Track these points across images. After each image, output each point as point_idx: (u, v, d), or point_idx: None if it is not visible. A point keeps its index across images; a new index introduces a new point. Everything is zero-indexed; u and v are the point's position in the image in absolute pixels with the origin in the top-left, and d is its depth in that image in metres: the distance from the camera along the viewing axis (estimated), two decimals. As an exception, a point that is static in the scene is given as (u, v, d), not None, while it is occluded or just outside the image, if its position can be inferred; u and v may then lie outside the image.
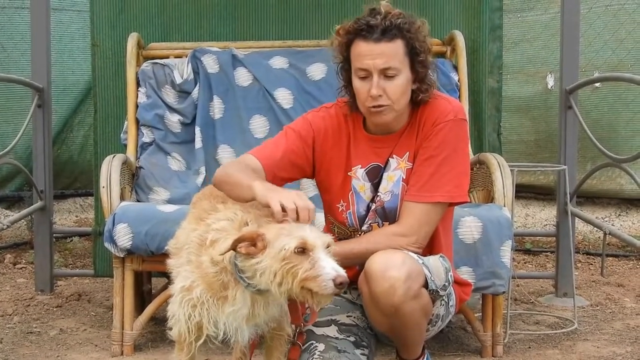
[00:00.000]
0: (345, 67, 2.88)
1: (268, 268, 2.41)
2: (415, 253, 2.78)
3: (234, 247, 2.44)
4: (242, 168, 2.76)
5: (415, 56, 2.80)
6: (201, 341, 2.60)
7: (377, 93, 2.75)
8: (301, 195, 2.56)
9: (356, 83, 2.81)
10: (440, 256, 2.87)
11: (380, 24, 2.74)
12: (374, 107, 2.78)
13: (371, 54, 2.74)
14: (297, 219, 2.48)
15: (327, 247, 2.44)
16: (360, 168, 2.92)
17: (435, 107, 2.85)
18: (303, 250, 2.39)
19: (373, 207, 2.90)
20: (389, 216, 2.89)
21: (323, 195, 3.04)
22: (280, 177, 2.88)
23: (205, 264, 2.55)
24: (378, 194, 2.90)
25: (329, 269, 2.37)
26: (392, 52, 2.75)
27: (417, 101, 2.86)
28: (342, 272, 2.38)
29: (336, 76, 2.95)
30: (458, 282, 3.04)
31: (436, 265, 2.80)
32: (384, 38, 2.74)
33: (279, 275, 2.39)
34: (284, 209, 2.49)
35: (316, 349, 2.85)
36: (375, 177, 2.91)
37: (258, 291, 2.49)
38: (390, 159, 2.90)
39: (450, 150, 2.81)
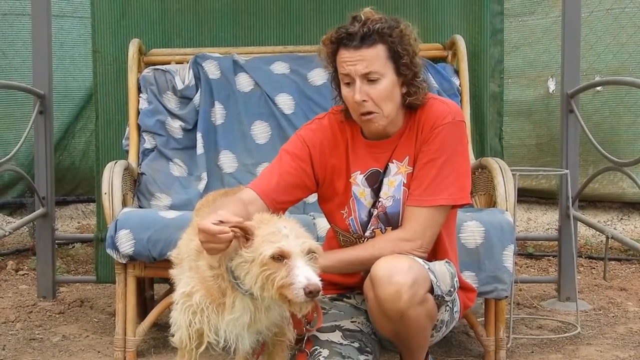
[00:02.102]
0: (335, 75, 2.89)
1: (251, 271, 2.43)
2: (421, 258, 2.78)
3: (233, 227, 2.44)
4: (233, 203, 2.72)
5: (399, 59, 2.79)
6: (202, 348, 2.61)
7: (361, 98, 2.75)
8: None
9: (343, 90, 2.83)
10: (446, 261, 2.87)
11: (358, 31, 2.75)
12: (363, 114, 2.78)
13: (352, 59, 2.76)
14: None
15: (308, 253, 2.44)
16: (360, 174, 2.92)
17: (433, 110, 2.85)
18: (281, 257, 2.40)
19: (375, 212, 2.90)
20: (391, 221, 2.89)
21: (324, 206, 3.04)
22: (281, 201, 2.87)
23: (202, 267, 2.57)
24: (379, 199, 2.90)
25: (301, 277, 2.37)
26: (372, 57, 2.75)
27: (410, 104, 2.85)
28: (314, 280, 2.38)
29: (330, 85, 2.97)
30: (463, 288, 3.03)
31: (442, 271, 2.80)
32: (363, 45, 2.75)
33: (260, 280, 2.42)
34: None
35: (320, 355, 2.85)
36: (375, 182, 2.91)
37: (255, 297, 2.49)
38: (389, 163, 2.90)
39: (450, 152, 2.82)
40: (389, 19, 2.81)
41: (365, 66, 2.74)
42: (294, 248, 2.41)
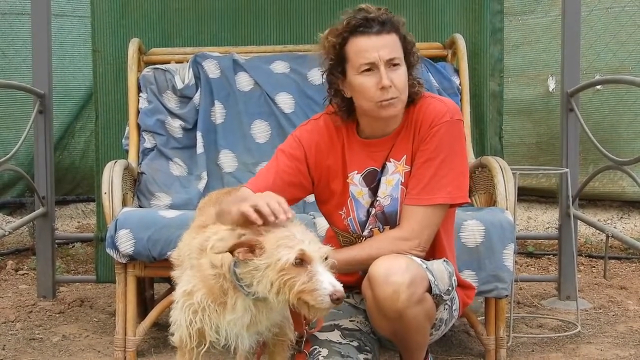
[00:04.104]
0: (337, 69, 2.84)
1: (265, 277, 2.40)
2: (419, 257, 2.77)
3: (232, 250, 2.42)
4: (233, 200, 2.72)
5: (408, 49, 2.81)
6: (204, 348, 2.59)
7: (389, 83, 2.73)
8: (271, 195, 2.55)
9: (361, 80, 2.77)
10: (444, 260, 2.87)
11: (377, 17, 2.76)
12: (385, 100, 2.75)
13: (375, 46, 2.74)
14: (273, 217, 2.46)
15: (326, 259, 2.42)
16: (357, 174, 2.92)
17: (431, 109, 2.84)
18: (301, 262, 2.38)
19: (373, 212, 2.90)
20: (389, 220, 2.88)
21: (322, 207, 3.03)
22: None
23: (204, 265, 2.55)
24: (377, 198, 2.89)
25: (327, 284, 2.35)
26: (393, 43, 2.77)
27: (409, 97, 2.85)
28: (339, 287, 2.37)
29: (323, 84, 2.94)
30: (461, 285, 3.03)
31: (440, 270, 2.80)
32: (383, 30, 2.76)
33: (276, 285, 2.38)
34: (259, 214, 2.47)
35: (320, 354, 2.85)
36: (372, 181, 2.91)
37: (258, 299, 2.48)
38: (387, 162, 2.89)
39: (448, 151, 2.81)
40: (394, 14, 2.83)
41: (389, 51, 2.74)
42: (314, 253, 2.39)
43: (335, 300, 2.35)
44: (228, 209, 2.61)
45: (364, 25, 2.76)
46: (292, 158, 2.91)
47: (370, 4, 2.83)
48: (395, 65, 2.76)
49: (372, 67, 2.75)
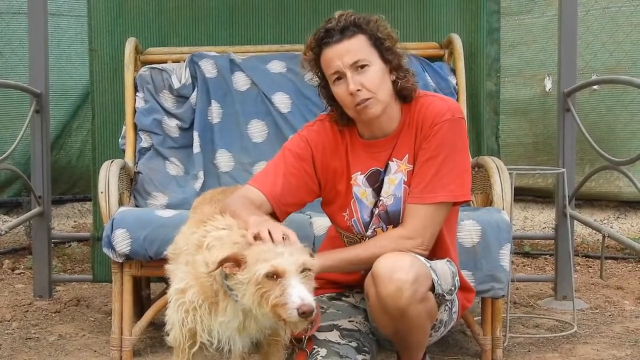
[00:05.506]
0: (323, 83, 2.91)
1: (248, 291, 2.42)
2: (422, 255, 2.78)
3: (219, 266, 2.45)
4: (247, 205, 2.76)
5: (381, 45, 2.82)
6: (195, 348, 2.59)
7: (356, 87, 2.75)
8: (280, 225, 2.58)
9: (335, 90, 2.83)
10: (447, 260, 2.87)
11: (335, 26, 2.79)
12: (358, 103, 2.78)
13: (338, 54, 2.78)
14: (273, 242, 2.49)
15: (303, 271, 2.42)
16: (360, 174, 2.92)
17: (432, 108, 2.85)
18: (275, 275, 2.38)
19: (376, 212, 2.90)
20: (392, 220, 2.89)
21: (326, 208, 3.04)
22: (287, 203, 2.89)
23: (199, 262, 2.55)
24: (380, 198, 2.90)
25: (295, 297, 2.35)
26: (356, 47, 2.78)
27: (401, 92, 2.86)
28: (308, 300, 2.36)
29: (319, 97, 2.98)
30: (462, 288, 3.03)
31: (443, 270, 2.80)
32: (344, 37, 2.79)
33: (256, 298, 2.40)
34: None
35: (318, 354, 2.85)
36: (376, 181, 2.91)
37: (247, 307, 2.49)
38: (389, 162, 2.90)
39: (449, 149, 2.81)
40: (360, 14, 2.84)
41: (351, 56, 2.76)
42: (288, 266, 2.39)
43: (302, 314, 2.35)
44: (238, 212, 2.67)
45: (326, 37, 2.80)
46: (299, 158, 2.92)
47: (362, 6, 2.85)
48: (362, 67, 2.77)
49: (340, 75, 2.79)
